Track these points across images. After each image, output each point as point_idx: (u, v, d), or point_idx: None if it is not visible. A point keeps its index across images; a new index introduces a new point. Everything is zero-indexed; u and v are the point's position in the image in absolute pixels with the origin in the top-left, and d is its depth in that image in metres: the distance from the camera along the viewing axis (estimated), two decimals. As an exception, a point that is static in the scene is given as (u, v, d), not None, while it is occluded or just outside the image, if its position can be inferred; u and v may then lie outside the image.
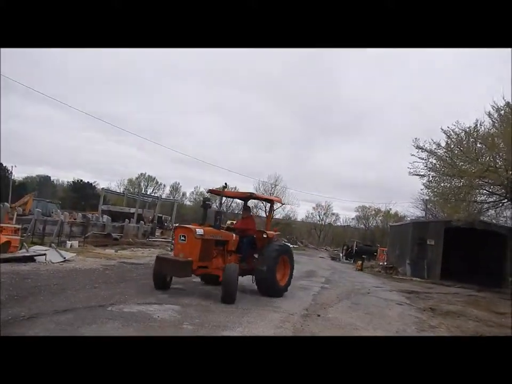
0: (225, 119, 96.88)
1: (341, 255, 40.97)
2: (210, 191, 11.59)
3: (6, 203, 21.92)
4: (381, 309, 10.16)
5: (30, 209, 28.78)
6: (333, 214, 73.66)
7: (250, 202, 12.20)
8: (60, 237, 17.82)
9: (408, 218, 41.28)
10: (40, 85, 70.76)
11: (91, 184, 65.89)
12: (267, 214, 13.67)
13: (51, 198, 45.31)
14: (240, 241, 9.47)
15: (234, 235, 9.34)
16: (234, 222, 14.36)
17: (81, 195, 61.93)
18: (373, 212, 67.81)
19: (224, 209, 52.95)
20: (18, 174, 64.07)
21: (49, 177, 66.10)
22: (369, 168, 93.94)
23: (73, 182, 66.32)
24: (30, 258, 10.99)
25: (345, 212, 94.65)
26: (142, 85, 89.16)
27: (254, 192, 10.91)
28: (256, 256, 9.88)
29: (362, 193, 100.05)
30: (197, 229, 8.34)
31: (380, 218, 67.16)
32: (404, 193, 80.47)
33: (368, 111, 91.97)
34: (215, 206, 11.17)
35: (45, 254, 11.40)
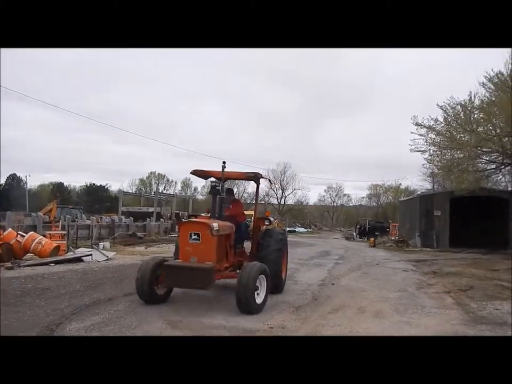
0: (228, 107, 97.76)
1: (355, 234, 42.22)
2: (194, 172, 8.37)
3: (39, 213, 23.69)
4: (387, 275, 11.68)
5: (55, 215, 30.66)
6: (345, 195, 75.00)
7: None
8: (92, 239, 19.51)
9: (419, 192, 42.39)
10: (37, 89, 71.87)
11: (104, 186, 67.60)
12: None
13: (66, 203, 46.57)
14: (235, 232, 7.82)
15: (233, 226, 7.67)
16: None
17: (95, 198, 63.50)
18: (384, 189, 68.74)
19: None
20: (31, 182, 65.73)
21: (62, 183, 67.89)
22: (377, 146, 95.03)
23: (86, 186, 68.09)
24: (79, 259, 12.64)
25: (357, 192, 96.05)
26: (142, 79, 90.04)
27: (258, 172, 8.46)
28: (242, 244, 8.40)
29: (372, 171, 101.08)
30: (213, 224, 6.67)
31: (391, 194, 67.96)
32: (413, 168, 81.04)
33: (371, 90, 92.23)
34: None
35: (91, 255, 13.07)
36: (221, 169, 7.60)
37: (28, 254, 12.46)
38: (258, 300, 6.49)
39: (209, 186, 7.74)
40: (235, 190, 64.23)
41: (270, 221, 8.57)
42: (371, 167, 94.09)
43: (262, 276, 6.61)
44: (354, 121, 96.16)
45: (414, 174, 65.94)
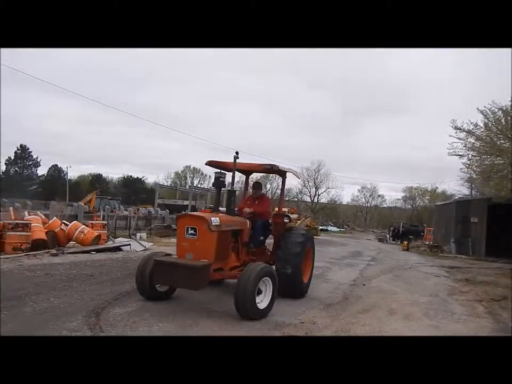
0: (265, 106, 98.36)
1: (388, 236, 41.62)
2: (210, 163, 7.79)
3: (80, 202, 24.75)
4: (419, 280, 11.66)
5: (94, 206, 31.86)
6: (379, 195, 74.02)
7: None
8: (129, 229, 20.24)
9: (457, 197, 41.36)
10: (78, 85, 74.97)
11: (140, 179, 69.36)
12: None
13: (104, 194, 47.77)
14: (252, 228, 7.39)
15: (248, 222, 7.26)
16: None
17: (131, 190, 65.25)
18: (420, 192, 67.31)
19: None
20: (71, 173, 68.26)
21: (101, 174, 70.04)
22: (414, 148, 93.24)
23: (123, 177, 70.12)
24: (118, 248, 13.24)
25: (391, 193, 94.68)
26: (182, 77, 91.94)
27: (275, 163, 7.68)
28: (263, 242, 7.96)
29: (408, 173, 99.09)
30: (212, 218, 6.16)
31: (427, 198, 66.46)
32: (451, 172, 78.90)
33: (413, 90, 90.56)
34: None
35: (129, 244, 13.67)
36: (243, 161, 7.24)
37: (70, 242, 13.10)
38: (262, 304, 5.98)
39: (214, 178, 7.25)
40: (268, 186, 65.29)
41: (289, 218, 7.79)
42: (407, 169, 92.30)
43: (267, 278, 6.08)
44: (392, 123, 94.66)
45: (451, 178, 64.29)
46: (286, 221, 7.69)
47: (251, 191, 8.62)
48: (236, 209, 7.56)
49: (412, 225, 43.40)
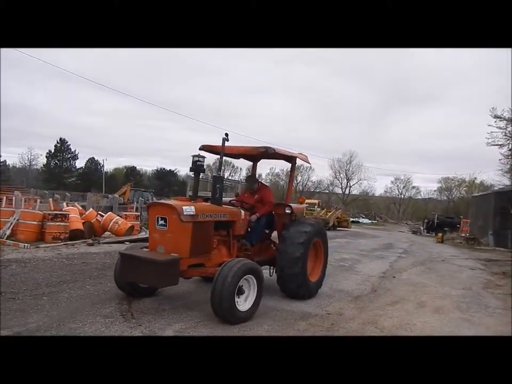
0: (294, 96, 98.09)
1: (422, 228, 40.81)
2: (203, 148, 6.82)
3: (115, 194, 25.47)
4: (452, 272, 11.39)
5: (129, 198, 32.66)
6: (413, 187, 72.49)
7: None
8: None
9: (496, 188, 39.95)
10: (112, 80, 77.48)
11: (173, 171, 70.65)
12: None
13: (138, 186, 48.44)
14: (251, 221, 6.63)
15: (242, 212, 6.41)
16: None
17: (164, 182, 66.56)
18: (456, 183, 65.42)
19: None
20: (107, 165, 70.42)
21: (135, 167, 71.62)
22: (451, 137, 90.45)
23: (156, 170, 71.57)
24: (151, 239, 13.57)
25: (427, 184, 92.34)
26: (208, 69, 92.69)
27: (272, 146, 6.71)
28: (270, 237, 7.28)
29: (445, 164, 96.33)
30: (184, 207, 5.44)
31: (464, 189, 64.50)
32: (490, 162, 76.17)
33: (448, 79, 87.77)
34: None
35: (161, 235, 13.96)
36: (241, 145, 6.76)
37: (105, 232, 13.51)
38: (244, 306, 5.28)
39: (192, 162, 6.15)
40: (299, 178, 65.09)
41: (291, 208, 6.73)
42: (443, 160, 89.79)
43: (250, 276, 5.34)
44: (427, 113, 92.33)
45: (491, 168, 61.77)
46: (287, 211, 6.72)
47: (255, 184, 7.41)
48: (235, 199, 7.08)
49: (447, 217, 42.32)
